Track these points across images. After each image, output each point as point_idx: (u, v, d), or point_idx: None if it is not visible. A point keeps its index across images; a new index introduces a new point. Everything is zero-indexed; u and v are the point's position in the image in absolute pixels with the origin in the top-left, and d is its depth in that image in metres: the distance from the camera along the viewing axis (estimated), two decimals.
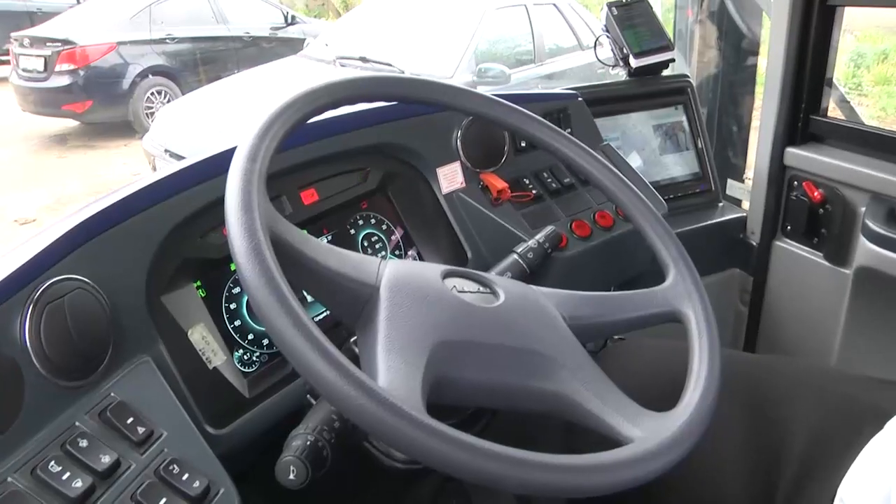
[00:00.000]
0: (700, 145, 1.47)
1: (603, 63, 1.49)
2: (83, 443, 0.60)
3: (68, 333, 0.62)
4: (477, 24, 4.61)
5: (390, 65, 4.30)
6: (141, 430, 0.63)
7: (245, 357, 0.82)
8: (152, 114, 6.06)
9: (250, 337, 0.83)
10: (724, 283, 1.51)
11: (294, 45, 6.26)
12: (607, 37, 1.45)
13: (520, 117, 0.82)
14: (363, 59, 4.45)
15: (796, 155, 1.33)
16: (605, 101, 1.38)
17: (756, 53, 1.91)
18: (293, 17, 7.74)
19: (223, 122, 3.86)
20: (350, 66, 4.48)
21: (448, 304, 0.62)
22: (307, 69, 4.70)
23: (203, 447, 0.67)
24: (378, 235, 0.97)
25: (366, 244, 0.96)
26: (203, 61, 6.87)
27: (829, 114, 1.37)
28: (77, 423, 0.62)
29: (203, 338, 0.78)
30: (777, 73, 1.31)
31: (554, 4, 5.21)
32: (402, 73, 4.21)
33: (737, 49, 1.92)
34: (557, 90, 1.21)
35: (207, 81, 5.75)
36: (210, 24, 7.04)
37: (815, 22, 1.26)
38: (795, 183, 1.35)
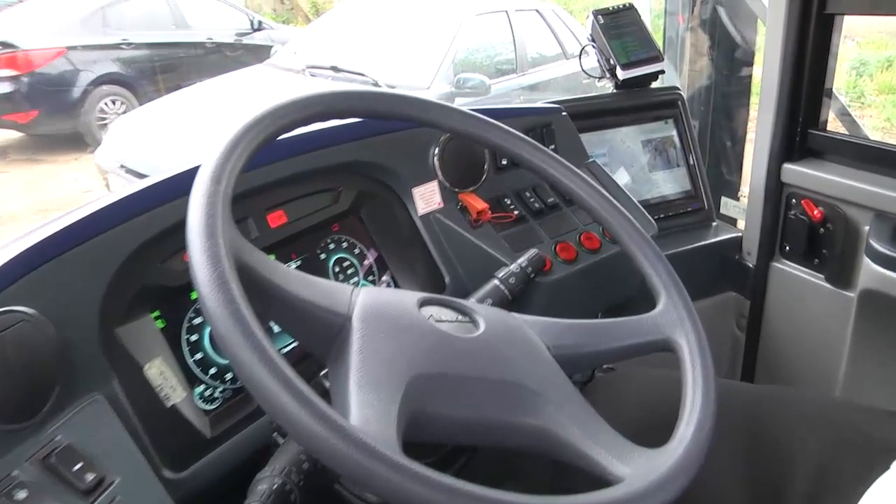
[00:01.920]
0: (692, 161, 1.49)
1: (588, 74, 1.51)
2: (21, 494, 0.59)
3: (9, 371, 0.61)
4: (455, 32, 4.65)
5: (363, 75, 4.32)
6: (90, 476, 0.62)
7: (207, 393, 0.82)
8: (106, 125, 6.01)
9: (213, 371, 0.82)
10: (719, 307, 1.53)
11: (260, 53, 6.26)
12: (593, 47, 1.47)
13: (500, 134, 0.83)
14: (334, 69, 4.47)
15: (794, 171, 1.35)
16: (590, 115, 1.40)
17: (751, 63, 1.94)
18: (259, 23, 7.74)
19: (184, 135, 3.85)
20: (320, 75, 4.50)
21: (425, 335, 0.62)
22: (274, 79, 4.71)
23: (160, 493, 0.66)
24: (350, 260, 0.97)
25: (337, 269, 0.96)
26: (162, 69, 6.84)
27: (829, 127, 1.38)
28: (15, 473, 0.60)
29: (161, 373, 0.77)
30: (773, 84, 1.33)
31: (537, 11, 5.28)
32: (376, 83, 4.23)
33: (730, 58, 1.95)
34: (540, 104, 1.23)
35: (167, 91, 5.73)
36: (169, 28, 7.01)
37: (812, 31, 1.28)
38: (794, 201, 1.36)
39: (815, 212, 1.32)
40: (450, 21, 4.76)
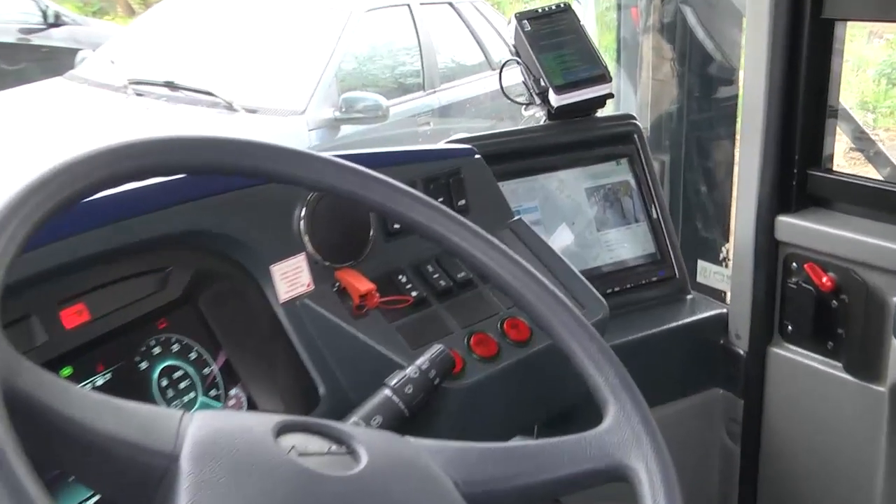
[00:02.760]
0: (655, 214, 1.54)
1: (511, 99, 1.56)
2: None
3: None
4: (339, 34, 4.67)
5: (211, 94, 4.31)
6: None
7: None
8: None
9: None
10: (701, 410, 1.56)
11: (60, 60, 6.16)
12: (517, 62, 1.50)
13: (384, 190, 0.85)
14: (170, 86, 4.44)
15: (792, 225, 1.40)
16: (514, 155, 1.44)
17: (734, 80, 2.00)
18: (57, 16, 7.59)
19: None
20: (149, 94, 4.46)
21: (283, 477, 0.63)
22: (81, 99, 4.66)
23: None
24: (184, 369, 0.98)
25: (165, 383, 0.96)
26: None
27: (840, 161, 1.45)
28: None
29: None
30: (758, 110, 1.39)
31: (450, 4, 5.37)
32: (230, 105, 4.25)
33: (705, 72, 2.02)
34: (444, 144, 1.27)
35: None
36: None
37: (807, 38, 1.34)
38: (794, 265, 1.42)
39: (824, 279, 1.36)
40: (332, 18, 4.79)
